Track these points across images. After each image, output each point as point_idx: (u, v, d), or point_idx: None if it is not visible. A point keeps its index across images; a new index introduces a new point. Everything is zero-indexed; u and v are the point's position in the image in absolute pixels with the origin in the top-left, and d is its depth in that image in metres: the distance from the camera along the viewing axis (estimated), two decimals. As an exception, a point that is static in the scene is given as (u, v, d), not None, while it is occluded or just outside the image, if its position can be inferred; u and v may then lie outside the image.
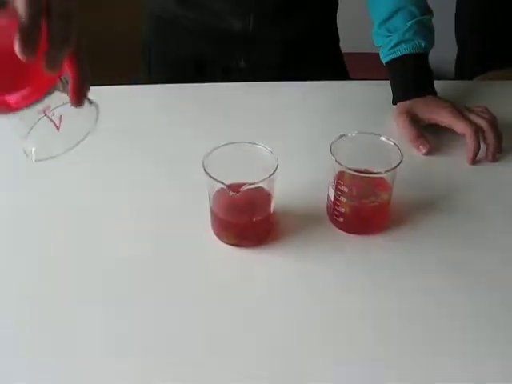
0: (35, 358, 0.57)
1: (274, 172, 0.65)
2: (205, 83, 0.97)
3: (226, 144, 0.68)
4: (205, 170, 0.64)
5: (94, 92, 0.50)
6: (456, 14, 1.40)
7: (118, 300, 0.63)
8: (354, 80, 1.12)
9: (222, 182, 0.63)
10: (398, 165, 0.67)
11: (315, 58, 1.10)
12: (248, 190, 0.63)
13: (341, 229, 0.71)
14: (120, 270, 0.66)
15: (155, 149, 0.84)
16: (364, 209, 0.70)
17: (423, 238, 0.71)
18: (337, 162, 0.67)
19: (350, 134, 0.71)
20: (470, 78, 1.24)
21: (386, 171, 0.67)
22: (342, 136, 0.71)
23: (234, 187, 0.63)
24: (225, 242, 0.69)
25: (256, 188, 0.64)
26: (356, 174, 0.66)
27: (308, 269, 0.67)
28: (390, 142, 0.70)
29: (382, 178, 0.69)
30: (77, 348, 0.58)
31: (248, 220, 0.68)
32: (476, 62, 1.32)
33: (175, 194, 0.76)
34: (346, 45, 1.18)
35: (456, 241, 0.71)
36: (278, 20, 1.02)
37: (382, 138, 0.71)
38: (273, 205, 0.68)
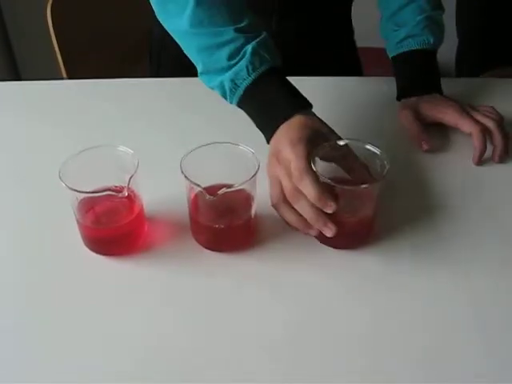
0: (35, 357, 0.57)
1: (255, 173, 0.63)
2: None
3: (206, 145, 0.66)
4: (182, 172, 0.62)
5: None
6: (457, 11, 1.34)
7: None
8: (367, 76, 1.09)
9: (199, 185, 0.61)
10: (381, 176, 0.64)
11: (329, 52, 1.07)
12: (227, 192, 0.61)
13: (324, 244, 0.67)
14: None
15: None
16: (344, 223, 0.64)
17: (424, 239, 0.68)
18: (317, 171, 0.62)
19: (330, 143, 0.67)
20: (471, 76, 1.19)
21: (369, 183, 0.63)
22: (325, 145, 0.66)
23: (212, 190, 0.61)
24: (204, 247, 0.67)
25: (236, 190, 0.62)
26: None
27: (290, 274, 0.64)
28: (376, 150, 0.66)
29: (366, 188, 0.63)
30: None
31: (227, 224, 0.66)
32: (477, 59, 1.27)
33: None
34: (362, 39, 1.15)
35: (458, 243, 0.68)
36: (295, 14, 1.00)
37: (368, 147, 0.66)
38: (254, 208, 0.66)
